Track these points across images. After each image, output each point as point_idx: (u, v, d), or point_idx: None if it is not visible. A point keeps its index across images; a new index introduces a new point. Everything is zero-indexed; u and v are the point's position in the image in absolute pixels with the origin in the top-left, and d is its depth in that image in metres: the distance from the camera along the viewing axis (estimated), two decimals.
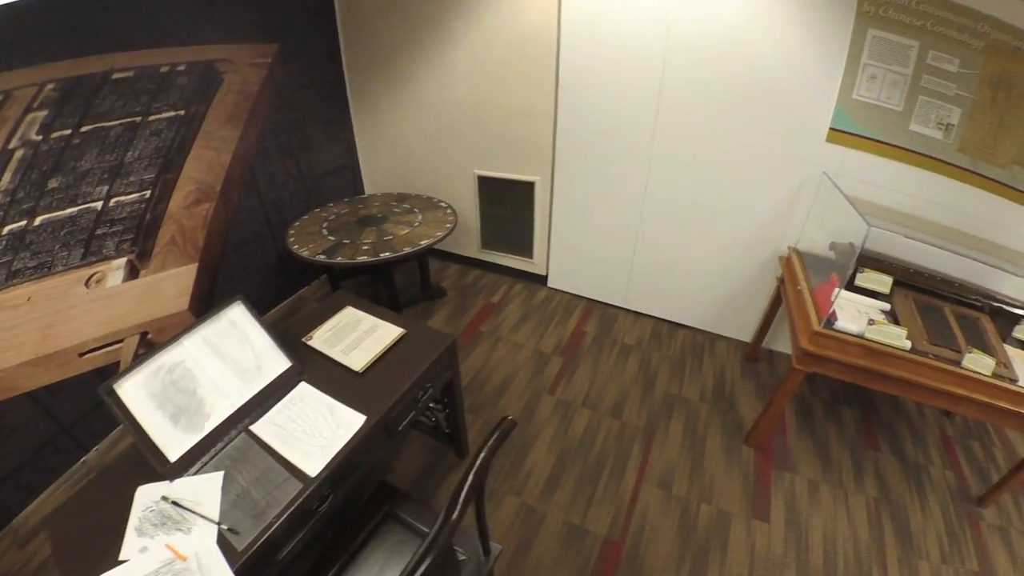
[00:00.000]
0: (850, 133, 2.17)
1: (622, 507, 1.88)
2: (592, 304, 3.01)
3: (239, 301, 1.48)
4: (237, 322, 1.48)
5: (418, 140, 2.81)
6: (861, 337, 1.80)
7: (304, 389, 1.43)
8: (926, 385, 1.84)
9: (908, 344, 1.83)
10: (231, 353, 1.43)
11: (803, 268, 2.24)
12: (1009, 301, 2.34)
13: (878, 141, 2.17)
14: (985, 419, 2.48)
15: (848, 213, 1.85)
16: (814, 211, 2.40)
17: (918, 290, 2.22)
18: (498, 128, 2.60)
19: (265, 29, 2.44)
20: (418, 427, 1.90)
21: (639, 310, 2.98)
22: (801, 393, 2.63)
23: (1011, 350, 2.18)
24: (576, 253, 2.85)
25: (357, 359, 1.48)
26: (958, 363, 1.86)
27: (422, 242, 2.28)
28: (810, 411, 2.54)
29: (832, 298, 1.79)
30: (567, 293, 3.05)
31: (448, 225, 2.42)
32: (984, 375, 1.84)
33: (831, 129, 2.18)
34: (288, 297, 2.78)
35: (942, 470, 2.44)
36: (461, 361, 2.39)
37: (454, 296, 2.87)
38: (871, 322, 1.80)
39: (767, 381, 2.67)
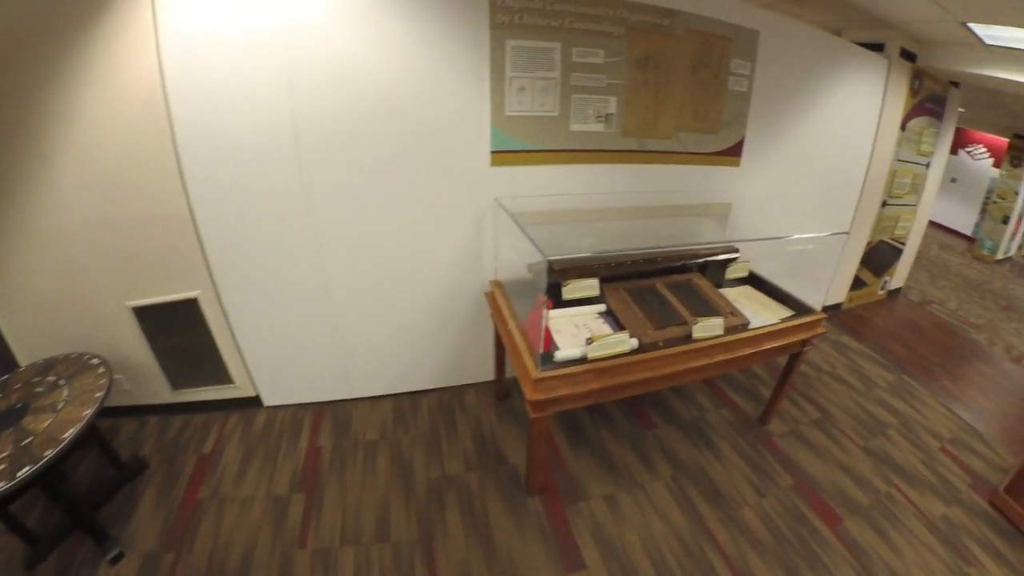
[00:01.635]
0: (513, 151, 2.11)
1: None
2: (320, 408, 2.54)
3: None
4: None
5: (49, 283, 2.02)
6: (585, 360, 1.70)
7: None
8: (669, 373, 1.81)
9: (635, 343, 1.79)
10: None
11: (507, 302, 2.11)
12: (709, 251, 2.55)
13: (543, 151, 2.15)
14: (735, 369, 2.66)
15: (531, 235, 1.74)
16: (501, 238, 2.29)
17: (626, 278, 2.25)
18: (134, 246, 2.01)
19: None
20: None
21: (371, 394, 2.62)
22: (560, 411, 2.53)
23: (730, 292, 2.36)
24: (279, 358, 2.38)
25: None
26: (689, 336, 1.86)
27: (67, 434, 1.55)
28: (577, 424, 2.47)
29: (543, 324, 1.66)
30: (288, 406, 2.55)
31: (99, 394, 1.74)
32: (718, 335, 1.88)
33: (493, 152, 2.09)
34: None
35: (717, 411, 2.58)
36: (187, 551, 1.78)
37: (159, 463, 2.14)
38: (590, 340, 1.71)
39: (524, 414, 2.49)
